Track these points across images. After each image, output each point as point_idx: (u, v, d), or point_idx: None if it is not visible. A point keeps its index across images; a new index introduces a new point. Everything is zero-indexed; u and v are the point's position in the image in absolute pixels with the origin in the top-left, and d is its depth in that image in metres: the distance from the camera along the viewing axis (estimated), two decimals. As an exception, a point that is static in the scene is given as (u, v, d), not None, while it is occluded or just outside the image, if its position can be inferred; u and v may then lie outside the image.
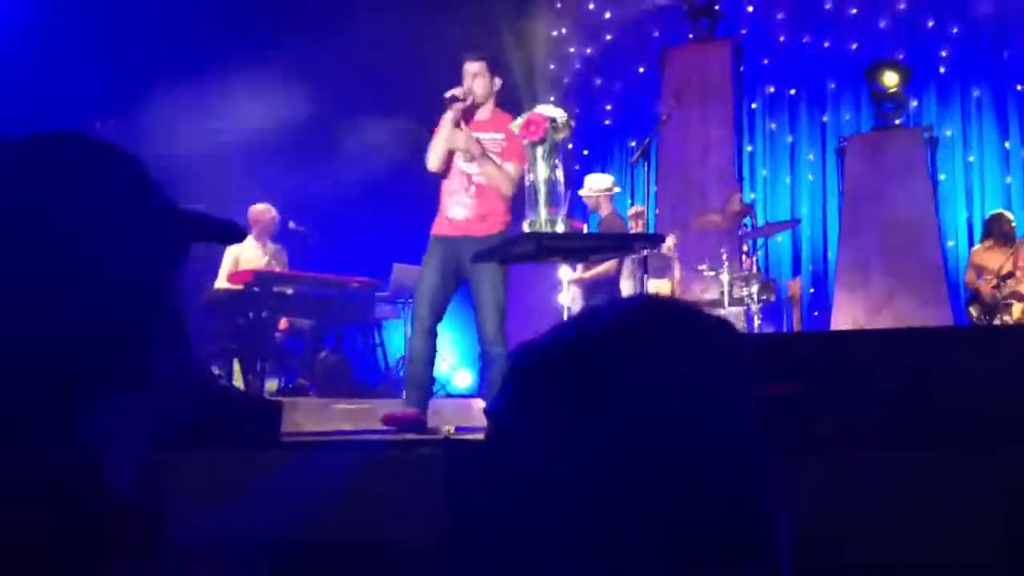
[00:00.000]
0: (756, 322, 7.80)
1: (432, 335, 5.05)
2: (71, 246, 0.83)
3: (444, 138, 5.07)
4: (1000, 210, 8.34)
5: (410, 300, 6.55)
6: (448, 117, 5.06)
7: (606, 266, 7.46)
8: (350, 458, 4.29)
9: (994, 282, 7.63)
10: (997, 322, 7.45)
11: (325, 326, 7.74)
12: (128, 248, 0.85)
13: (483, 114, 5.19)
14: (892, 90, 8.70)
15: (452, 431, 5.02)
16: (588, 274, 7.54)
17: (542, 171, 4.82)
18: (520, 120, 4.81)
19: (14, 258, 0.82)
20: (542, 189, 4.81)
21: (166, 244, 0.89)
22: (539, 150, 4.80)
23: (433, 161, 5.12)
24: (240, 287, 7.18)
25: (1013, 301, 7.49)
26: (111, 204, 0.86)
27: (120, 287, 0.84)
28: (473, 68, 5.10)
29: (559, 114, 4.82)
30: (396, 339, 8.61)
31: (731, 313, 7.72)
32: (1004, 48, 9.25)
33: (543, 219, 4.80)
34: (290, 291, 7.39)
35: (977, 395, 2.74)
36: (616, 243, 5.53)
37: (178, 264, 0.91)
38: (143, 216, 0.88)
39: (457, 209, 5.12)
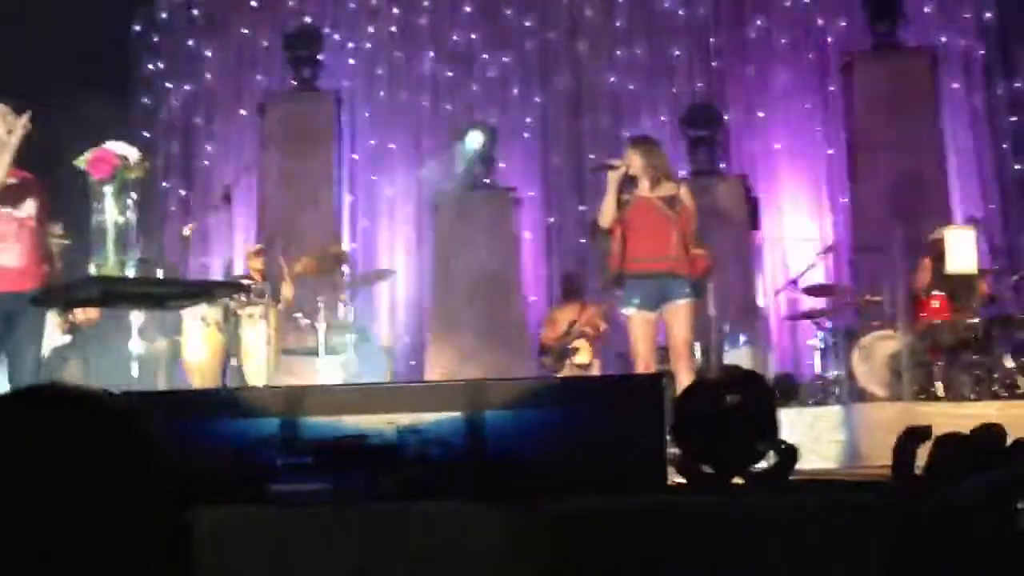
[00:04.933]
0: (353, 369, 7.81)
1: None
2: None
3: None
4: (573, 270, 9.08)
5: None
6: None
7: None
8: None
9: (564, 329, 8.19)
10: (567, 369, 8.01)
11: None
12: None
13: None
14: (479, 150, 9.18)
15: None
16: None
17: (111, 212, 4.52)
18: (87, 155, 4.48)
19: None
20: (111, 231, 4.51)
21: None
22: (108, 188, 4.50)
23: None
24: None
25: (578, 343, 8.06)
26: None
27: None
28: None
29: (132, 152, 4.55)
30: None
31: (327, 361, 7.65)
32: (582, 117, 10.11)
33: (111, 262, 4.50)
34: None
35: (526, 448, 2.87)
36: (197, 290, 5.29)
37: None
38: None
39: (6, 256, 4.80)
